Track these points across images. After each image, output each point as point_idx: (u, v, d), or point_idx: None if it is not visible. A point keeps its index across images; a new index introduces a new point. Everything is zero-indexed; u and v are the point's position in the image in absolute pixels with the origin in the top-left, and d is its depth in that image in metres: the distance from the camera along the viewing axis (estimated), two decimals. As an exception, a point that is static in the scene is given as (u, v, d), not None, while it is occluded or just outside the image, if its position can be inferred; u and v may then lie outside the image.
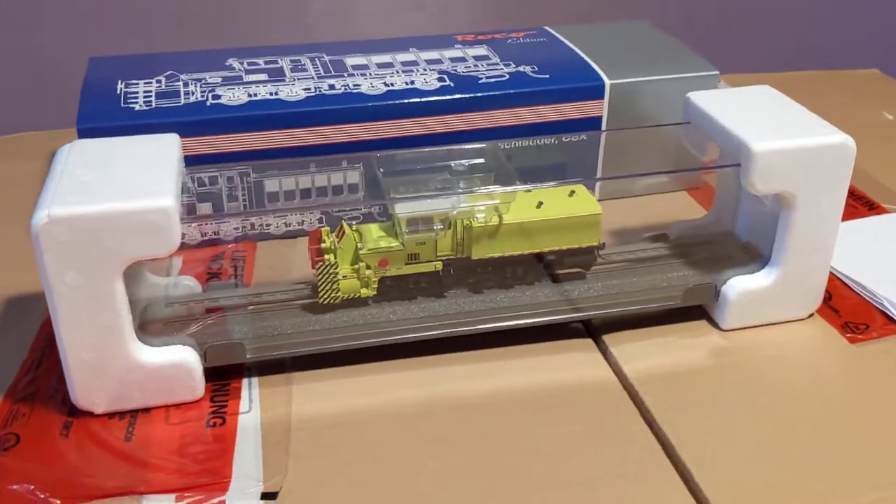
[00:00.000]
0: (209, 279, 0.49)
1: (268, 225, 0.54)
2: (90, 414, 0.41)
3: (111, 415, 0.41)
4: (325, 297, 0.43)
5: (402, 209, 0.42)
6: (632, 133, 0.56)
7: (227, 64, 0.56)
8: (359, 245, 0.43)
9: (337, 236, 0.43)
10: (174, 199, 0.37)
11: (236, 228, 0.53)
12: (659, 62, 0.58)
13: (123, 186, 0.38)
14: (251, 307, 0.44)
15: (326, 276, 0.42)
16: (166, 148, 0.41)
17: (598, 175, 0.57)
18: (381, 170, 0.44)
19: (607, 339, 0.46)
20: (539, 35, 0.62)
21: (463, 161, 0.44)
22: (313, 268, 0.45)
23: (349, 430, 0.40)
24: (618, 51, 0.59)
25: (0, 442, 0.39)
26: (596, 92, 0.55)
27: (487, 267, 0.45)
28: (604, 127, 0.56)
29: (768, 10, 1.05)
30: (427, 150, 0.46)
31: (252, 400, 0.42)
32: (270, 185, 0.52)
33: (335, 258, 0.43)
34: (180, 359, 0.40)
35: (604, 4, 1.01)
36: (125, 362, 0.39)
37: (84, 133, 0.49)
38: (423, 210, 0.42)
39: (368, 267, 0.43)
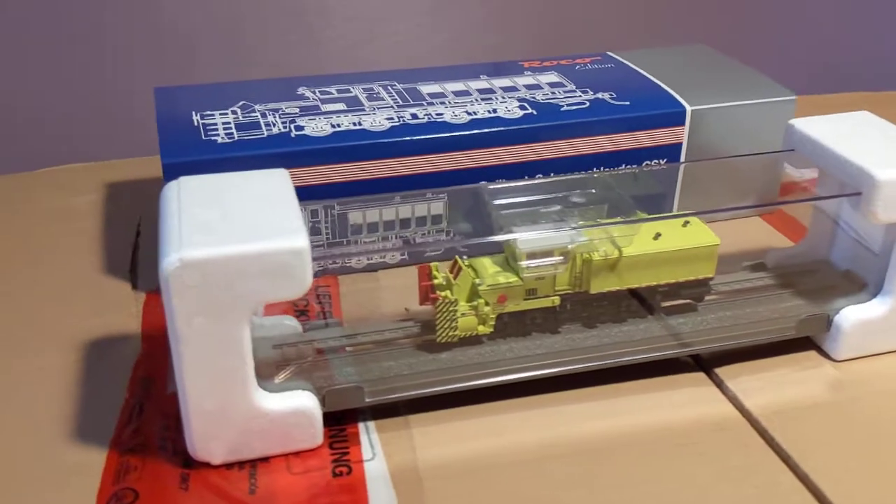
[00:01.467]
0: (297, 317, 0.47)
1: (349, 258, 0.52)
2: (207, 465, 0.39)
3: (229, 465, 0.39)
4: (442, 335, 0.41)
5: (523, 242, 0.41)
6: (712, 161, 0.55)
7: (298, 93, 0.55)
8: (476, 281, 0.41)
9: (451, 272, 0.42)
10: (307, 239, 0.35)
11: (318, 263, 0.51)
12: (734, 87, 0.57)
13: (251, 227, 0.36)
14: (359, 348, 0.43)
15: (445, 313, 0.41)
16: (281, 184, 0.40)
17: (675, 202, 0.56)
18: (493, 202, 0.43)
19: (720, 372, 0.45)
20: (605, 61, 0.61)
21: (575, 191, 0.43)
22: (422, 304, 0.43)
23: (480, 476, 0.38)
24: (689, 76, 0.58)
25: (117, 498, 0.37)
26: (677, 119, 0.54)
27: (603, 301, 0.43)
28: (683, 154, 0.55)
29: (815, 32, 1.05)
30: (537, 180, 0.44)
31: (373, 446, 0.40)
32: (354, 217, 0.50)
33: (452, 295, 0.41)
34: (301, 405, 0.38)
35: (616, 24, 1.01)
36: (247, 410, 0.37)
37: (169, 168, 0.47)
38: (543, 243, 0.41)
39: (487, 304, 0.41)
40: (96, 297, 0.50)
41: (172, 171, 0.47)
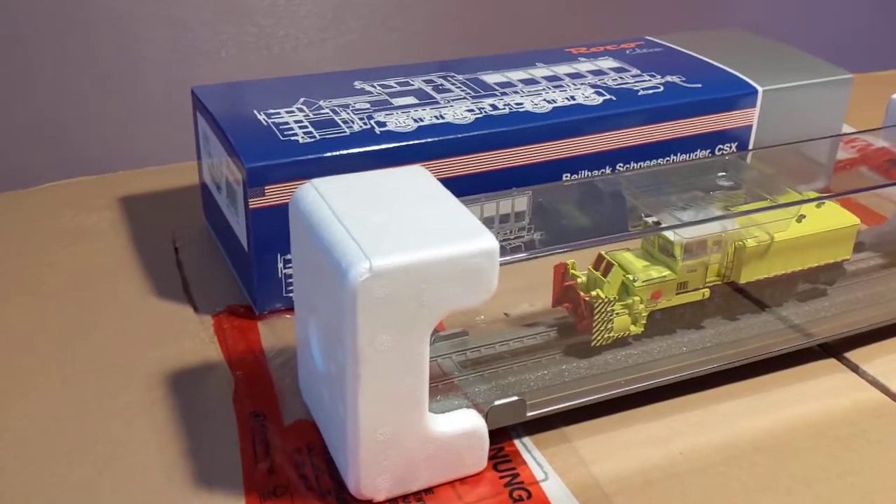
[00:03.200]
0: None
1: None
2: (369, 502, 0.34)
3: (392, 501, 0.34)
4: (598, 338, 0.38)
5: (680, 232, 0.38)
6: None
7: (357, 87, 0.50)
8: (630, 277, 0.38)
9: (597, 269, 0.39)
10: (496, 240, 0.32)
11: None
12: (793, 68, 0.56)
13: (432, 230, 0.32)
14: (499, 359, 0.39)
15: (602, 314, 0.38)
16: (429, 182, 0.35)
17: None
18: (633, 189, 0.40)
19: (850, 356, 0.43)
20: (650, 45, 0.59)
21: (722, 174, 0.41)
22: (557, 305, 0.40)
23: (666, 487, 0.35)
24: (744, 58, 0.57)
25: (285, 550, 0.32)
26: (749, 100, 0.53)
27: (747, 291, 0.41)
28: (753, 136, 0.54)
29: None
30: (670, 165, 0.42)
31: (541, 464, 0.36)
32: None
33: (604, 294, 0.38)
34: (471, 426, 0.34)
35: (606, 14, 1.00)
36: (420, 436, 0.33)
37: (254, 173, 0.42)
38: (700, 233, 0.38)
39: (641, 301, 0.38)
40: (159, 324, 0.45)
41: (257, 176, 0.42)
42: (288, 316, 0.45)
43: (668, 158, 0.52)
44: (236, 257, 0.47)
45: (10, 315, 0.45)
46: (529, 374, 0.38)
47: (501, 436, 0.37)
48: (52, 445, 0.37)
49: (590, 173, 0.50)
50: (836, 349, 0.44)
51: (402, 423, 0.33)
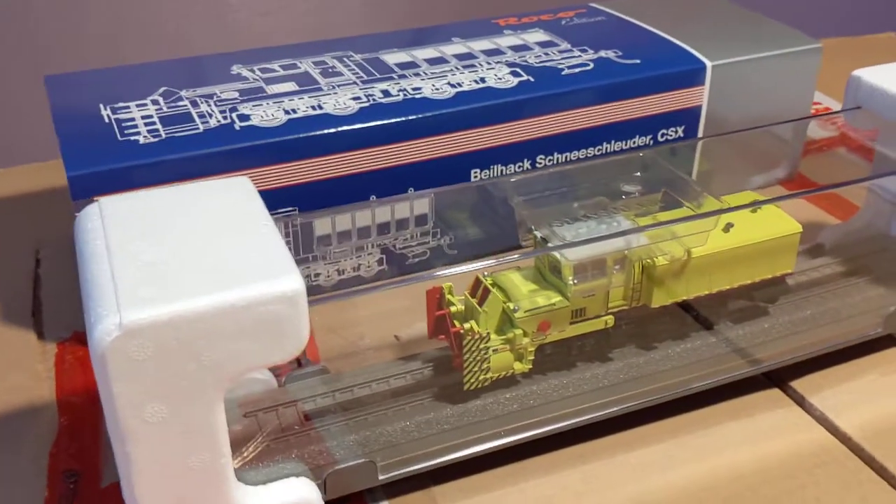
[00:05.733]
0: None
1: (317, 275, 0.41)
2: None
3: (204, 592, 0.28)
4: (472, 381, 0.31)
5: (570, 253, 0.31)
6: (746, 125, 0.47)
7: (234, 72, 0.43)
8: (511, 306, 0.31)
9: (474, 295, 0.32)
10: (301, 279, 0.25)
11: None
12: (752, 38, 0.48)
13: (218, 267, 0.25)
14: (358, 405, 0.32)
15: (474, 352, 0.31)
16: (244, 198, 0.29)
17: (694, 176, 0.47)
18: (519, 198, 0.33)
19: (797, 385, 0.36)
20: (592, 13, 0.52)
21: (637, 174, 0.34)
22: (433, 337, 0.33)
23: (546, 567, 0.29)
24: (696, 27, 0.49)
25: None
26: (696, 77, 0.45)
27: (664, 315, 0.34)
28: (703, 117, 0.47)
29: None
30: (563, 166, 0.35)
31: (397, 539, 0.30)
32: (321, 226, 0.39)
33: (479, 327, 0.31)
34: (299, 499, 0.28)
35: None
36: (227, 518, 0.27)
37: (78, 182, 0.35)
38: (595, 251, 0.31)
39: (525, 334, 0.31)
40: (-8, 354, 0.39)
41: (82, 187, 0.35)
42: (141, 344, 0.39)
43: (599, 147, 0.45)
44: (88, 274, 0.41)
45: None
46: (389, 426, 0.31)
47: (354, 499, 0.31)
48: None
49: (504, 168, 0.43)
50: (780, 378, 0.37)
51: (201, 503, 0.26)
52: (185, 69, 0.44)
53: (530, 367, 0.32)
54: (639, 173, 0.35)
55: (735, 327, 0.36)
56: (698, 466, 0.33)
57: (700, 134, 0.47)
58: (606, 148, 0.45)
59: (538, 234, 0.32)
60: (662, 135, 0.46)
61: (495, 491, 0.31)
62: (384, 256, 0.42)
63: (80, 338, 0.40)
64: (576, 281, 0.31)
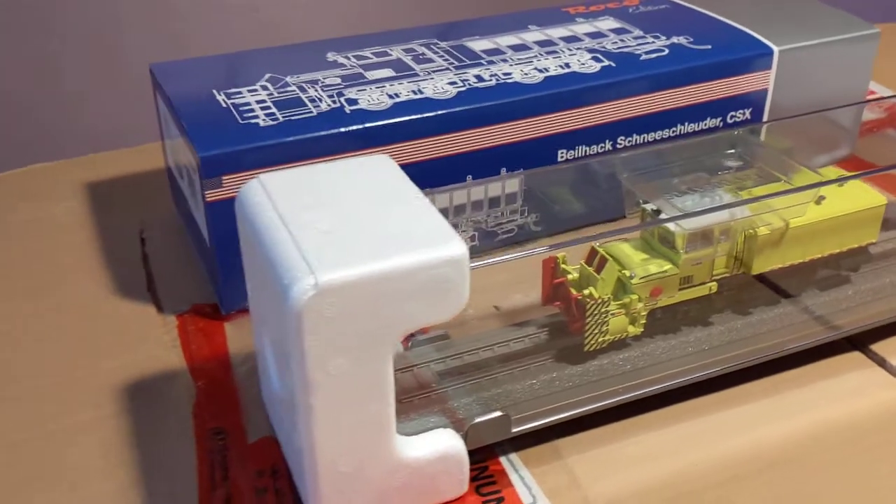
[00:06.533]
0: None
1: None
2: (334, 537, 0.31)
3: (362, 534, 0.31)
4: (591, 342, 0.34)
5: (679, 223, 0.34)
6: (808, 108, 0.49)
7: (329, 59, 0.46)
8: (626, 273, 0.34)
9: (590, 264, 0.35)
10: (465, 245, 0.27)
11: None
12: (813, 24, 0.51)
13: (390, 235, 0.28)
14: (483, 367, 0.35)
15: (595, 316, 0.33)
16: (393, 175, 0.31)
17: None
18: (626, 174, 0.35)
19: (877, 348, 0.39)
20: (656, 2, 0.54)
21: (731, 151, 0.36)
22: (547, 304, 0.36)
23: (669, 509, 0.32)
24: (758, 14, 0.52)
25: None
26: (763, 62, 0.48)
27: (760, 282, 0.37)
28: (769, 101, 0.49)
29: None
30: (672, 143, 0.37)
31: (529, 486, 0.32)
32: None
33: (598, 292, 0.34)
34: (448, 447, 0.31)
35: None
36: (389, 464, 0.29)
37: (209, 163, 0.38)
38: (705, 222, 0.34)
39: (640, 300, 0.34)
40: (118, 328, 0.41)
41: (212, 167, 0.38)
42: (257, 316, 0.41)
43: (674, 129, 0.47)
44: (202, 251, 0.43)
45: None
46: (516, 384, 0.34)
47: (486, 453, 0.34)
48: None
49: (587, 149, 0.46)
50: (861, 342, 0.39)
51: (366, 452, 0.29)
52: (284, 57, 0.46)
53: (642, 330, 0.35)
54: (732, 150, 0.37)
55: (821, 294, 0.38)
56: (794, 422, 0.35)
57: (765, 117, 0.50)
58: (680, 130, 0.48)
59: (649, 206, 0.35)
60: (731, 117, 0.49)
61: (612, 444, 0.34)
62: (476, 233, 0.44)
63: (198, 310, 0.42)
64: (687, 250, 0.34)
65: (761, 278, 0.37)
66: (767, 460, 0.33)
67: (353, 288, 0.26)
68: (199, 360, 0.39)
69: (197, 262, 0.45)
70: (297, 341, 0.26)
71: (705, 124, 0.48)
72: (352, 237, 0.27)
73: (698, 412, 0.35)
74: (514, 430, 0.33)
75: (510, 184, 0.44)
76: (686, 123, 0.48)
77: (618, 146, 0.46)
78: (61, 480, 0.33)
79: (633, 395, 0.34)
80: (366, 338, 0.27)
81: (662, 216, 0.34)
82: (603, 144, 0.46)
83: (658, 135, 0.47)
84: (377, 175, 0.31)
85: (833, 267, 0.38)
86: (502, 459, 0.34)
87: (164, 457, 0.34)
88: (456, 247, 0.27)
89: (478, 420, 0.32)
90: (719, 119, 0.48)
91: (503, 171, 0.44)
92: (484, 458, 0.33)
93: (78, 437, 0.35)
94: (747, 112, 0.49)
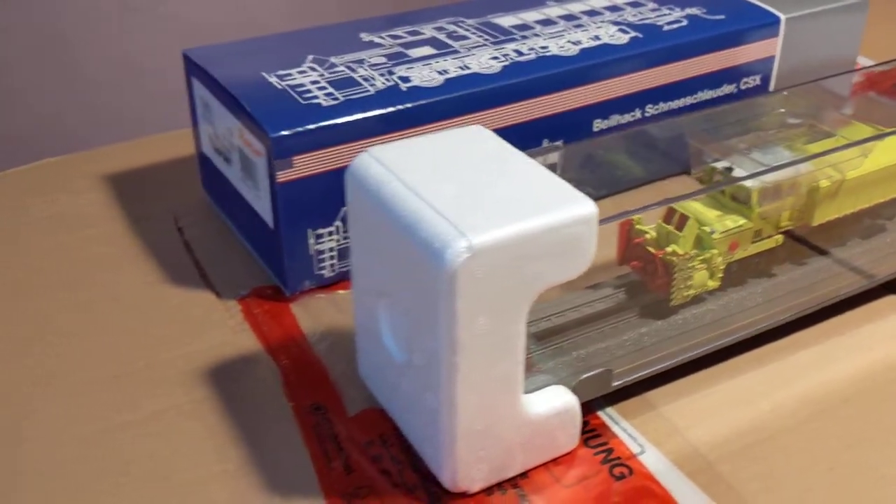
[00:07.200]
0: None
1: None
2: (462, 495, 0.31)
3: (489, 491, 0.32)
4: (677, 297, 0.36)
5: (752, 179, 0.35)
6: (808, 73, 0.52)
7: (364, 40, 0.46)
8: (706, 230, 0.36)
9: (669, 222, 0.36)
10: (594, 204, 0.29)
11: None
12: (809, -8, 0.54)
13: (517, 197, 0.29)
14: (576, 326, 0.36)
15: (682, 272, 0.35)
16: (492, 142, 0.32)
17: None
18: (694, 136, 0.37)
19: (914, 292, 0.42)
20: (656, -24, 0.56)
21: (778, 111, 0.38)
22: (623, 264, 0.37)
23: (764, 449, 0.33)
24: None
25: (386, 559, 0.29)
26: (772, 30, 0.50)
27: (818, 233, 0.39)
28: (776, 67, 0.52)
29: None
30: (720, 108, 0.39)
31: (634, 437, 0.34)
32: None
33: (681, 250, 0.35)
34: (564, 403, 0.32)
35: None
36: (515, 420, 0.31)
37: (279, 143, 0.38)
38: (775, 178, 0.36)
39: (720, 254, 0.36)
40: (180, 316, 0.41)
41: (282, 147, 0.38)
42: (321, 295, 0.42)
43: (694, 96, 0.49)
44: (256, 235, 0.43)
45: None
46: (608, 341, 0.35)
47: (583, 409, 0.35)
48: (85, 470, 0.33)
49: (620, 118, 0.47)
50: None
51: (498, 409, 0.30)
52: (317, 38, 0.46)
53: (719, 283, 0.37)
54: (783, 109, 0.40)
55: (863, 243, 0.41)
56: (853, 362, 0.38)
57: (772, 82, 0.52)
58: (700, 97, 0.50)
59: (720, 164, 0.36)
60: (744, 83, 0.51)
61: (699, 392, 0.36)
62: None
63: (259, 293, 0.42)
64: (761, 204, 0.36)
65: (823, 228, 0.39)
66: (842, 396, 0.36)
67: (501, 248, 0.27)
68: (274, 341, 0.39)
69: (239, 247, 0.45)
70: (448, 303, 0.27)
71: (721, 91, 0.50)
72: (484, 201, 0.28)
73: (764, 360, 0.37)
74: (614, 384, 0.34)
75: (551, 156, 0.45)
76: (705, 90, 0.50)
77: (646, 114, 0.48)
78: (176, 461, 0.33)
79: (713, 345, 0.36)
80: (506, 297, 0.28)
81: (736, 173, 0.36)
82: (633, 113, 0.48)
83: (681, 102, 0.49)
84: (480, 143, 0.32)
85: (872, 217, 0.41)
86: (600, 414, 0.35)
87: (268, 434, 0.34)
88: (587, 205, 0.28)
89: (584, 376, 0.33)
90: (734, 85, 0.51)
91: (545, 142, 0.45)
92: (583, 414, 0.35)
93: (179, 421, 0.35)
94: (757, 78, 0.51)
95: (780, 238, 0.37)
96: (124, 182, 0.51)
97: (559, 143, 0.46)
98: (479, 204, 0.28)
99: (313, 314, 0.41)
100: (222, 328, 0.40)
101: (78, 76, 0.80)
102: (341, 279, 0.42)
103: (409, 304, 0.29)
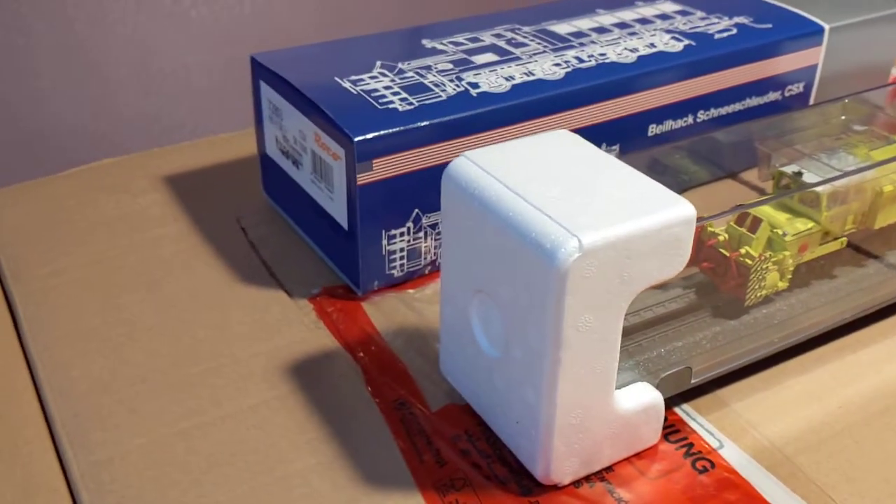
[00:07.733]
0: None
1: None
2: (554, 488, 0.33)
3: (577, 483, 0.33)
4: (752, 297, 0.37)
5: (828, 185, 0.37)
6: (847, 81, 0.53)
7: (427, 46, 0.47)
8: (778, 232, 0.37)
9: (741, 225, 0.37)
10: (692, 206, 0.30)
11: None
12: (849, 4, 0.55)
13: (618, 198, 0.30)
14: (652, 325, 0.37)
15: (757, 273, 0.36)
16: (583, 147, 0.33)
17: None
18: (763, 142, 0.38)
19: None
20: (700, -15, 0.58)
21: (842, 118, 0.40)
22: (692, 265, 0.38)
23: (840, 443, 0.35)
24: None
25: (489, 548, 0.30)
26: (816, 39, 0.52)
27: (879, 236, 0.40)
28: (818, 75, 0.53)
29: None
30: (781, 115, 0.40)
31: (711, 432, 0.35)
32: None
33: (754, 252, 0.37)
34: (650, 399, 0.33)
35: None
36: (607, 414, 0.32)
37: (362, 147, 0.39)
38: (844, 183, 0.37)
39: (791, 255, 0.37)
40: (256, 315, 0.42)
41: (364, 150, 0.39)
42: (392, 294, 0.43)
43: (743, 103, 0.51)
44: (325, 236, 0.44)
45: (77, 323, 0.42)
46: (684, 340, 0.37)
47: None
48: (181, 467, 0.34)
49: (673, 123, 0.49)
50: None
51: (593, 403, 0.31)
52: (381, 44, 0.47)
53: (788, 284, 0.38)
54: (843, 116, 0.41)
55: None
56: (915, 359, 0.39)
57: (814, 90, 0.54)
58: (747, 104, 0.51)
59: (790, 169, 0.38)
60: (788, 90, 0.52)
61: (770, 389, 0.37)
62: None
63: (330, 292, 0.43)
64: (829, 207, 0.37)
65: (885, 233, 0.41)
66: (904, 393, 0.37)
67: (609, 248, 0.28)
68: (350, 338, 0.40)
69: (304, 246, 0.46)
70: (557, 301, 0.28)
71: (767, 98, 0.52)
72: (587, 203, 0.29)
73: (827, 358, 0.39)
74: (693, 381, 0.35)
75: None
76: (752, 97, 0.51)
77: (697, 120, 0.49)
78: (275, 454, 0.34)
79: (784, 344, 0.37)
80: (610, 295, 0.29)
81: (806, 177, 0.37)
82: (686, 119, 0.49)
83: (730, 108, 0.50)
84: (571, 147, 0.33)
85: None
86: (676, 410, 0.36)
87: (356, 427, 0.35)
88: (686, 208, 0.30)
89: (666, 373, 0.34)
90: (779, 93, 0.52)
91: (603, 146, 0.47)
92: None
93: (270, 415, 0.36)
94: (801, 86, 0.53)
95: (844, 241, 0.39)
96: (180, 184, 0.52)
97: (615, 147, 0.47)
98: (582, 205, 0.29)
99: (386, 313, 0.42)
100: (298, 326, 0.41)
101: (99, 79, 0.80)
102: (409, 279, 0.44)
103: (509, 301, 0.31)
